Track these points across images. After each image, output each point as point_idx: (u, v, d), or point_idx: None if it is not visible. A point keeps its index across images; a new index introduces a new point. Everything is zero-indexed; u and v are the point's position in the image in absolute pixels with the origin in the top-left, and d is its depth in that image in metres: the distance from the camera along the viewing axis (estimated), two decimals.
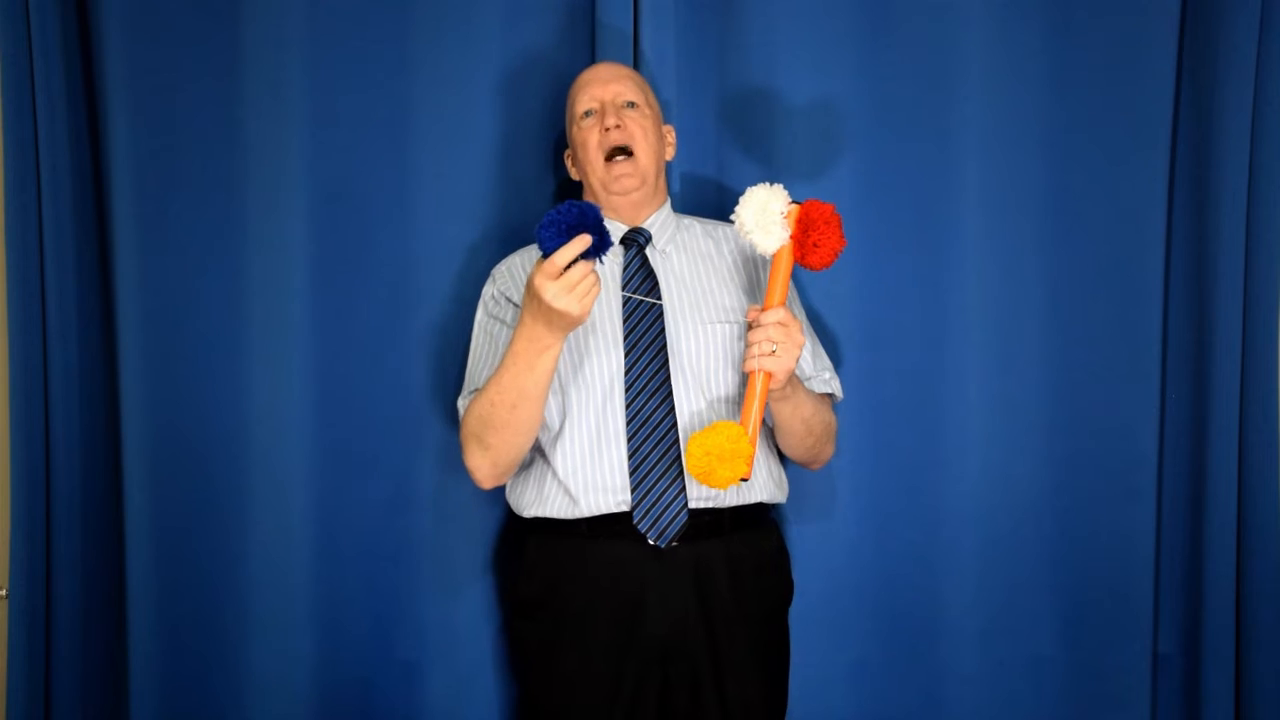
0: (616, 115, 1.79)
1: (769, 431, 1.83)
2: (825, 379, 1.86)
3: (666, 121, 1.94)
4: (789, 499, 1.94)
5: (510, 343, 1.67)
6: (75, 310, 1.91)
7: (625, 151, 1.79)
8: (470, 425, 1.73)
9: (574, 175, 1.88)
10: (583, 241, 1.54)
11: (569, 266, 1.55)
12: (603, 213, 1.61)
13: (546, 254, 1.55)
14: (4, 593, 1.94)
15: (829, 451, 1.87)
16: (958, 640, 1.99)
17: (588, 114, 1.82)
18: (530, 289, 1.58)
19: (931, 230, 1.98)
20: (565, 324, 1.59)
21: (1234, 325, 1.95)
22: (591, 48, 2.00)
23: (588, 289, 1.56)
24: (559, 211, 1.55)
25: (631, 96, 1.82)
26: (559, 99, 1.97)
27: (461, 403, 1.80)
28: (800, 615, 1.96)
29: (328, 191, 1.92)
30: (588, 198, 1.85)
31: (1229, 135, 1.93)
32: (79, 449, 1.92)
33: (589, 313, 1.58)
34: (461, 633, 1.97)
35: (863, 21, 1.98)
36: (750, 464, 1.63)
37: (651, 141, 1.81)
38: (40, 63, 1.85)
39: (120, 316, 1.90)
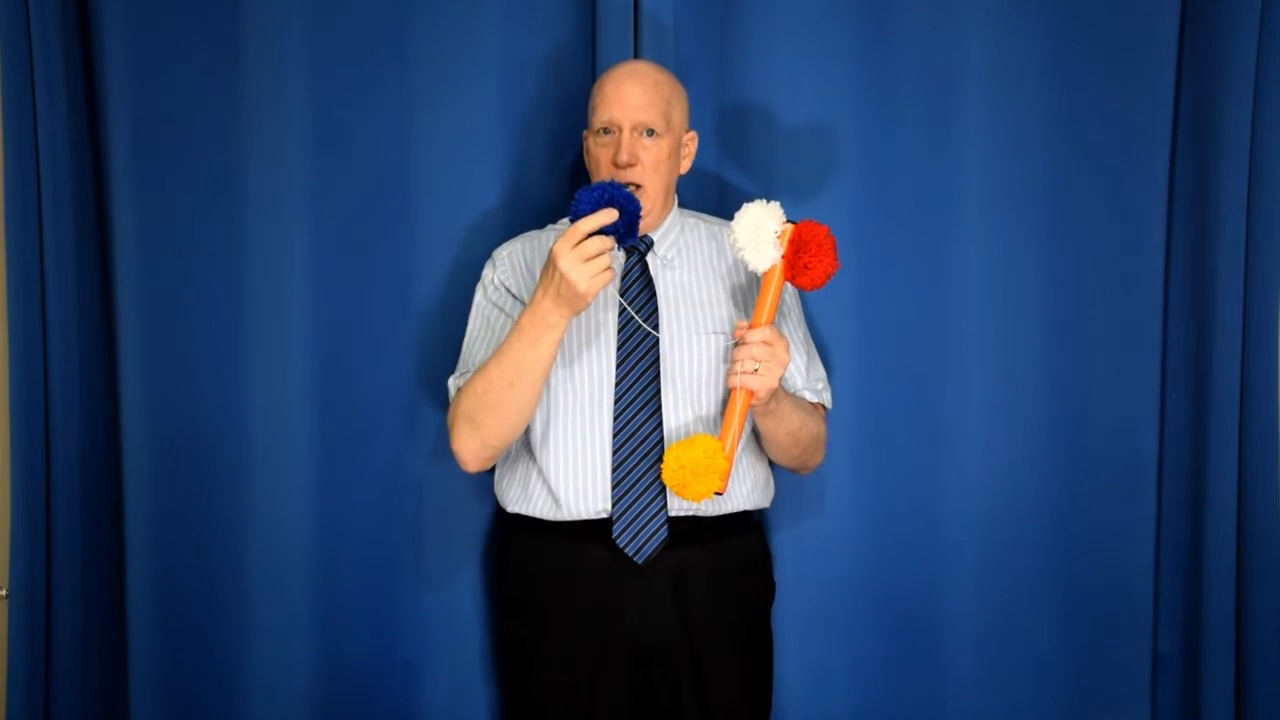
0: (630, 151, 1.73)
1: (758, 436, 1.83)
2: (817, 389, 1.86)
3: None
4: (793, 498, 1.95)
5: (518, 318, 1.67)
6: (75, 310, 1.91)
7: (634, 184, 1.75)
8: (463, 404, 1.72)
9: (587, 162, 1.85)
10: (608, 214, 1.56)
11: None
12: None
13: (573, 219, 1.58)
14: (4, 593, 1.94)
15: (817, 460, 1.87)
16: (958, 640, 1.99)
17: (605, 131, 1.76)
18: (549, 256, 1.59)
19: (931, 231, 1.98)
20: (571, 297, 1.59)
21: (1234, 325, 1.95)
22: (592, 51, 2.00)
23: (600, 267, 1.57)
24: (603, 187, 1.58)
25: (653, 123, 1.74)
26: (561, 93, 1.97)
27: (453, 382, 1.80)
28: (800, 615, 1.97)
29: (328, 190, 1.92)
30: None
31: (1229, 135, 1.93)
32: (79, 449, 1.92)
33: (594, 294, 1.58)
34: (460, 630, 1.97)
35: (863, 32, 1.97)
36: (725, 480, 1.64)
37: (664, 173, 1.77)
38: (40, 63, 1.85)
39: (120, 316, 1.90)
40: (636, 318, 1.74)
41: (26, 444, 1.87)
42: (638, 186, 1.74)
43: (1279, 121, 1.92)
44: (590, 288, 1.57)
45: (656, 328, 1.74)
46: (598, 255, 1.57)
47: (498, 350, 1.69)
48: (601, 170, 1.77)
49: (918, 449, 1.99)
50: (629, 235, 1.60)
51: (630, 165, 1.73)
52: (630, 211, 1.59)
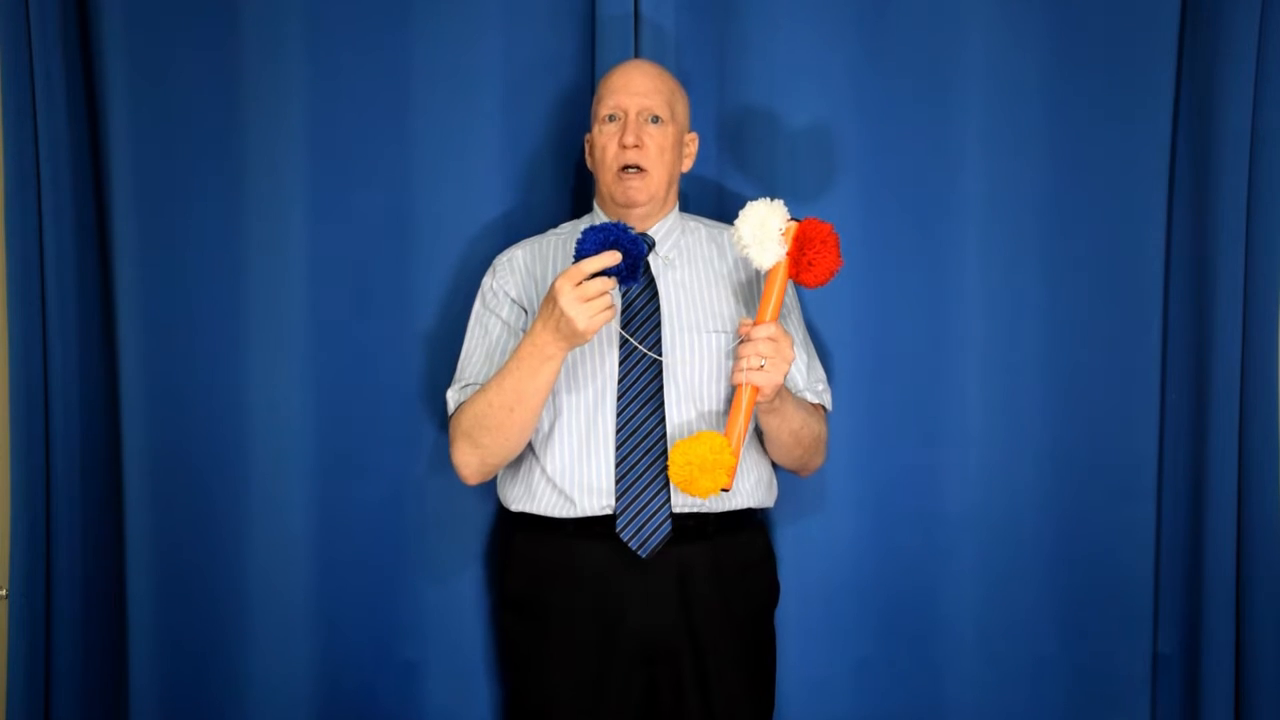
0: (637, 133, 1.76)
1: (760, 436, 1.83)
2: (818, 390, 1.86)
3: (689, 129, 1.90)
4: (794, 499, 1.95)
5: (518, 346, 1.68)
6: (75, 310, 1.91)
7: (639, 168, 1.78)
8: (463, 423, 1.74)
9: (589, 164, 1.87)
10: (612, 256, 1.59)
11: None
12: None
13: (577, 258, 1.59)
14: (4, 593, 1.94)
15: (818, 461, 1.88)
16: (958, 641, 1.99)
17: (611, 118, 1.79)
18: (550, 291, 1.61)
19: (931, 233, 1.98)
20: (570, 334, 1.61)
21: (1234, 325, 1.95)
22: (592, 57, 2.00)
23: (600, 307, 1.59)
24: (609, 228, 1.61)
25: (658, 110, 1.78)
26: (561, 99, 1.97)
27: (451, 394, 1.81)
28: (801, 616, 1.97)
29: (328, 192, 1.92)
30: (598, 192, 1.85)
31: (1229, 135, 1.93)
32: (79, 450, 1.92)
33: (594, 333, 1.61)
34: (461, 630, 1.97)
35: (863, 35, 1.97)
36: (731, 475, 1.65)
37: (668, 160, 1.80)
38: (40, 63, 1.85)
39: (120, 317, 1.90)
40: (640, 347, 1.75)
41: (26, 444, 1.87)
42: (642, 171, 1.76)
43: (1279, 121, 1.92)
44: (590, 326, 1.59)
45: (659, 349, 1.75)
46: (599, 296, 1.59)
47: (497, 375, 1.70)
48: (605, 160, 1.78)
49: (918, 449, 1.99)
50: (631, 277, 1.61)
51: (636, 147, 1.76)
52: (634, 254, 1.60)
